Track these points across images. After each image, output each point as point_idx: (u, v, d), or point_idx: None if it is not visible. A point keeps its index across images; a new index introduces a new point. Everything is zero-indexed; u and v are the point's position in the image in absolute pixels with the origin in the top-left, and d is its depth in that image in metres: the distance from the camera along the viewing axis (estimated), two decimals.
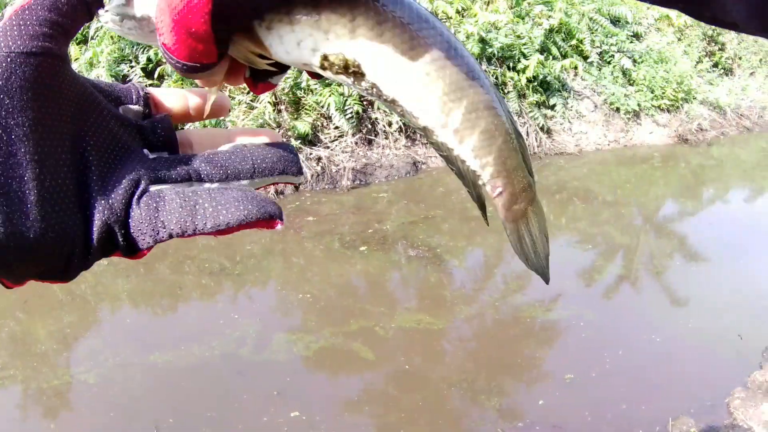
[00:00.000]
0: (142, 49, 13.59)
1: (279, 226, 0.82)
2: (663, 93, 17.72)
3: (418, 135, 11.33)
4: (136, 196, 0.77)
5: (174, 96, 0.89)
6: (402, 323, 7.27)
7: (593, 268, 9.10)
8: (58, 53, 0.73)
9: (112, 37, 13.44)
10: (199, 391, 6.37)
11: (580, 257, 9.54)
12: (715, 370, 6.64)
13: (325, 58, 0.78)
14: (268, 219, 0.81)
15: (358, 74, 0.80)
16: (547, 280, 0.97)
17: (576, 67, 16.75)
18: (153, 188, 0.79)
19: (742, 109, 20.30)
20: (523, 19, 16.52)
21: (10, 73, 0.68)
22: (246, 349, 6.82)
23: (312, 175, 11.92)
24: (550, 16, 16.82)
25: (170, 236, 0.78)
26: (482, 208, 0.90)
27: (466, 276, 8.92)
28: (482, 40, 14.90)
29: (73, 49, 13.60)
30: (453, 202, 11.03)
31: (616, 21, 19.06)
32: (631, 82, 17.99)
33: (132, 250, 0.78)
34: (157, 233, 0.77)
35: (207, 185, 0.82)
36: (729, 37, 22.63)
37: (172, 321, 7.65)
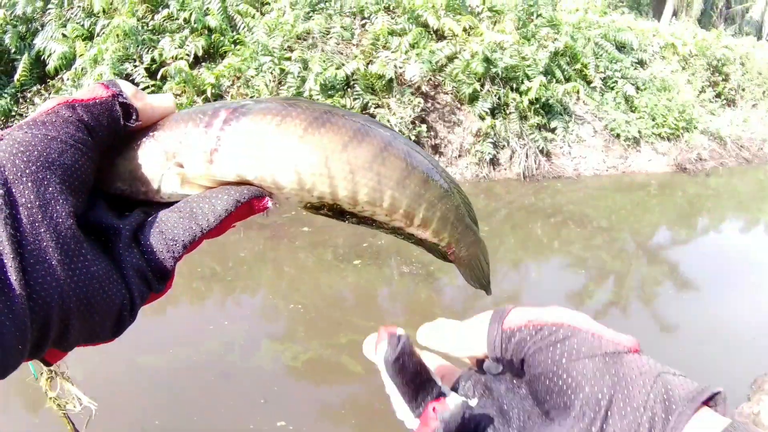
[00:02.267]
0: (146, 49, 13.61)
1: (269, 203, 0.89)
2: (664, 121, 17.76)
3: None
4: (143, 232, 0.82)
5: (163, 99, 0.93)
6: None
7: (584, 291, 9.10)
8: (95, 151, 0.82)
9: (117, 35, 13.48)
10: (186, 394, 6.34)
11: (571, 280, 9.55)
12: None
13: (305, 205, 0.95)
14: (259, 197, 0.88)
15: (338, 209, 0.96)
16: (489, 293, 1.20)
17: (578, 92, 16.79)
18: (149, 219, 0.85)
19: (742, 140, 20.37)
20: (529, 40, 16.58)
21: (62, 151, 0.76)
22: (234, 355, 6.81)
23: None
24: (555, 39, 16.89)
25: (184, 247, 0.83)
26: (445, 259, 1.09)
27: (457, 294, 8.89)
28: (487, 60, 14.94)
29: (78, 45, 13.63)
30: None
31: (621, 47, 19.14)
32: (633, 108, 18.03)
33: (162, 282, 0.83)
34: (173, 251, 0.82)
35: None
36: (734, 67, 22.65)
37: (161, 324, 7.63)
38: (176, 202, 0.89)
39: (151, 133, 0.90)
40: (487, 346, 0.81)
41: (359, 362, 6.77)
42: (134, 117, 0.86)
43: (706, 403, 0.72)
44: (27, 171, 0.73)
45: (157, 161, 0.89)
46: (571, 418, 0.73)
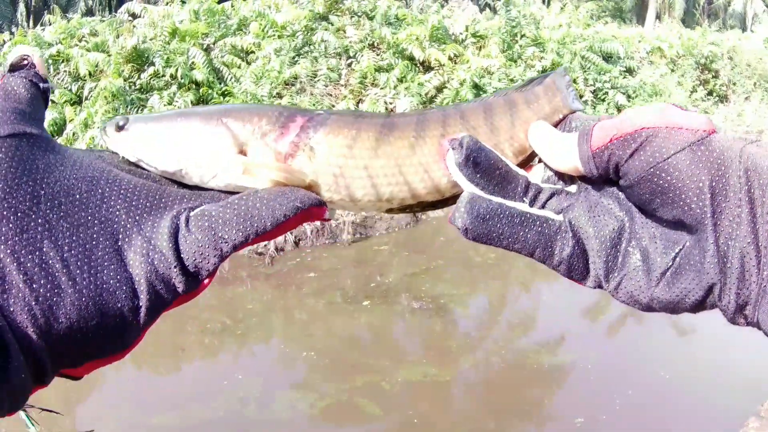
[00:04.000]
0: (136, 109, 13.62)
1: (327, 213, 0.87)
2: None
3: None
4: (182, 226, 0.79)
5: None
6: (408, 376, 7.23)
7: (597, 307, 9.07)
8: (34, 133, 0.76)
9: (105, 97, 13.51)
10: None
11: (584, 297, 9.51)
12: (727, 402, 6.58)
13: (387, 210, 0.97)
14: (318, 205, 0.84)
15: (424, 204, 0.96)
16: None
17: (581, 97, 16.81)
18: (194, 212, 0.81)
19: (739, 134, 20.38)
20: (515, 62, 16.63)
21: None
22: (250, 409, 6.77)
23: (311, 231, 11.87)
24: (542, 58, 16.94)
25: (234, 248, 0.79)
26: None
27: (471, 324, 8.89)
28: (476, 86, 14.97)
29: (67, 110, 13.66)
30: (454, 250, 11.01)
31: (608, 57, 19.14)
32: None
33: (194, 283, 0.79)
34: (221, 250, 0.78)
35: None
36: (722, 63, 22.70)
37: (174, 382, 7.61)
38: (227, 193, 0.87)
39: (219, 118, 0.89)
40: (582, 166, 0.85)
41: (377, 403, 6.75)
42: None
43: None
44: None
45: (223, 148, 0.87)
46: (681, 212, 0.79)
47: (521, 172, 0.90)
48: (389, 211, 0.95)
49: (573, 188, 0.90)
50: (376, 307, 9.06)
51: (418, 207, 0.95)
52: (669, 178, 0.78)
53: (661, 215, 0.82)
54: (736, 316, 0.80)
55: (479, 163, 0.86)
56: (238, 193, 0.85)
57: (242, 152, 0.87)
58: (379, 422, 6.58)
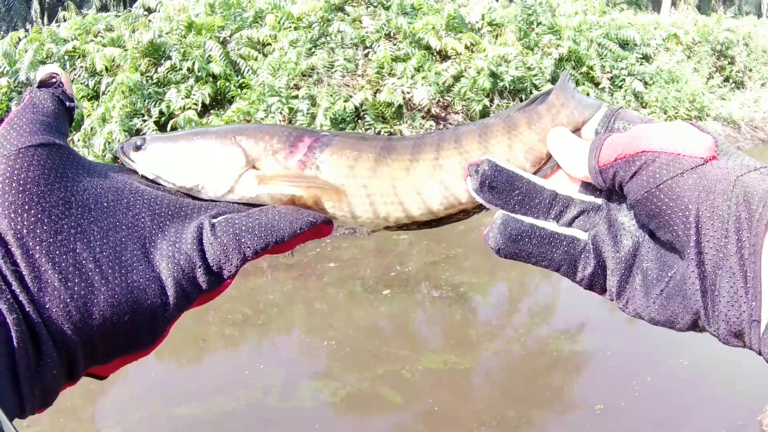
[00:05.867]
0: (153, 103, 13.62)
1: (332, 230, 0.95)
2: (676, 113, 17.66)
3: None
4: (207, 230, 0.86)
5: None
6: (428, 365, 7.23)
7: None
8: (61, 144, 0.82)
9: (123, 92, 13.49)
10: None
11: None
12: (745, 388, 6.55)
13: (386, 228, 1.03)
14: (327, 223, 0.93)
15: (419, 223, 1.01)
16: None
17: (588, 94, 16.67)
18: (217, 219, 0.89)
19: (756, 121, 20.24)
20: (532, 50, 16.56)
21: (28, 164, 0.76)
22: (273, 398, 6.79)
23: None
24: (558, 45, 16.85)
25: (255, 252, 0.87)
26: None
27: (491, 312, 8.88)
28: (493, 74, 14.92)
29: (85, 105, 13.64)
30: (474, 239, 10.99)
31: (624, 44, 19.05)
32: (644, 104, 17.93)
33: (217, 281, 0.86)
34: (244, 254, 0.86)
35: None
36: (738, 49, 22.56)
37: (196, 372, 7.63)
38: (241, 204, 0.94)
39: (233, 137, 0.95)
40: (591, 178, 0.89)
41: (399, 392, 6.76)
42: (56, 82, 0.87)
43: None
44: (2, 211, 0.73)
45: (237, 164, 0.93)
46: (671, 237, 0.82)
47: (548, 185, 0.93)
48: (387, 228, 1.00)
49: (600, 200, 0.93)
50: (396, 296, 9.07)
51: (414, 226, 1.00)
52: (659, 204, 0.81)
53: (660, 236, 0.85)
54: (729, 339, 0.83)
55: (495, 187, 0.91)
56: (250, 203, 0.93)
57: (254, 168, 0.94)
58: (401, 410, 6.59)
